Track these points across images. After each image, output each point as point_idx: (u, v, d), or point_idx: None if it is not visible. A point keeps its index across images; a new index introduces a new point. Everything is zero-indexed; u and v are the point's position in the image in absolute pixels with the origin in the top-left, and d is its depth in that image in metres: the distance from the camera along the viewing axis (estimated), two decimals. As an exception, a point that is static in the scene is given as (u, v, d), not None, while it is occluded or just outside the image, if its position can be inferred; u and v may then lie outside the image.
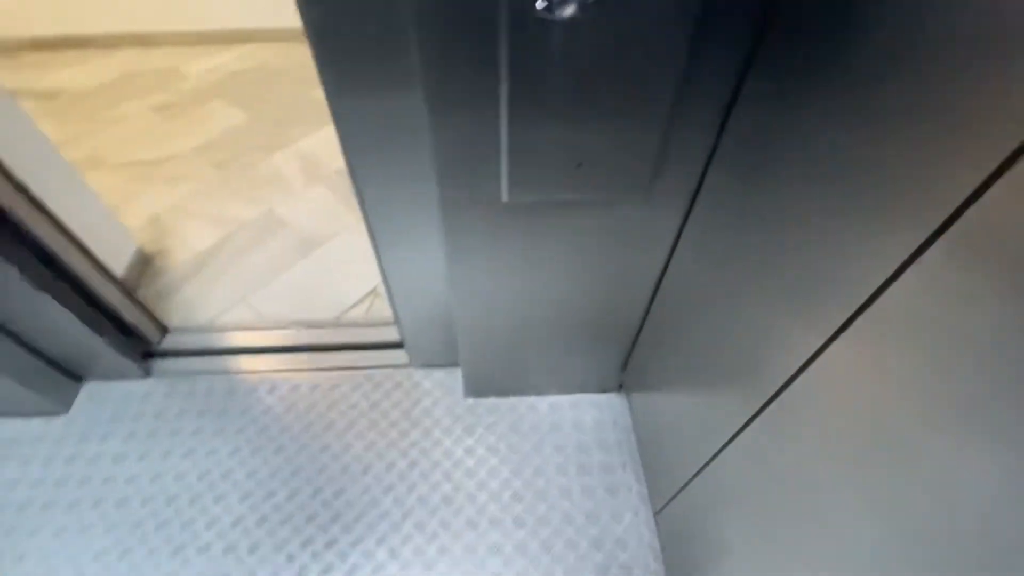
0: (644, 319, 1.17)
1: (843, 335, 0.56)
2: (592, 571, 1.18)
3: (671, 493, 1.09)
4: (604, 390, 1.47)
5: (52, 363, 1.42)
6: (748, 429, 0.83)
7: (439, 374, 1.53)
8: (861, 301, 0.52)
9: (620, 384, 1.43)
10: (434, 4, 0.59)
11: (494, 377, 1.40)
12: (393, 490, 1.31)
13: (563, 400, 1.47)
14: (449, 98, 0.69)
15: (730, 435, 0.89)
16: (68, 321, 1.28)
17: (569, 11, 0.55)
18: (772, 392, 0.74)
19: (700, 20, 0.60)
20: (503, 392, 1.47)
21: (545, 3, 0.55)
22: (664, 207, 0.89)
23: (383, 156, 0.91)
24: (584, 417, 1.43)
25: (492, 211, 0.86)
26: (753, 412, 0.80)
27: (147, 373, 1.51)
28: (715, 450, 0.94)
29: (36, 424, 1.43)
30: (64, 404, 1.45)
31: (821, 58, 0.55)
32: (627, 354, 1.31)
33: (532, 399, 1.47)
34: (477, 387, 1.44)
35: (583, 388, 1.47)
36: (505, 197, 0.80)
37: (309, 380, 1.51)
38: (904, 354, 0.48)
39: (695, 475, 1.01)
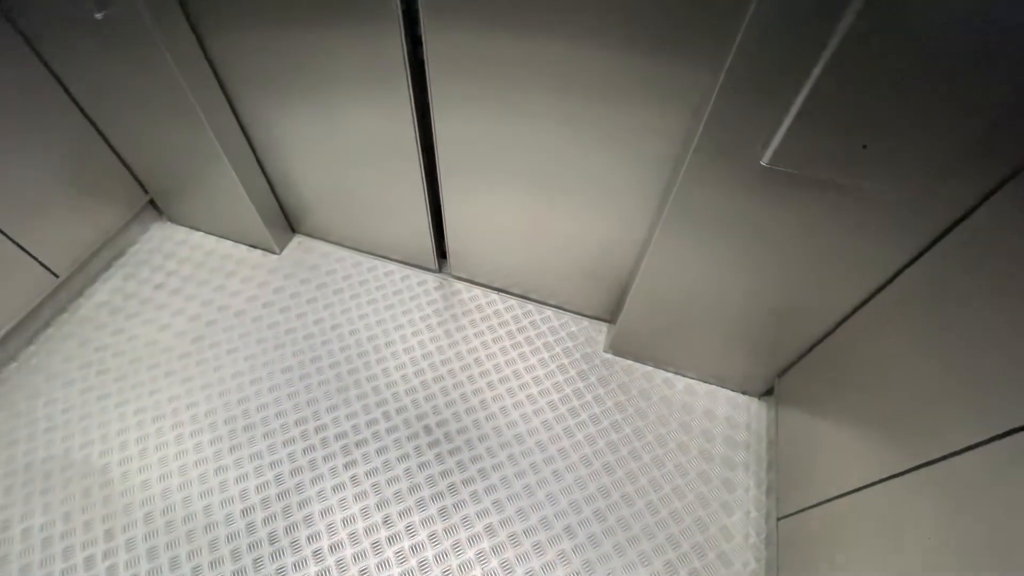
0: (830, 332, 1.13)
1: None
2: (691, 547, 1.20)
3: (803, 505, 1.07)
4: (744, 391, 1.45)
5: (284, 212, 1.71)
6: (912, 474, 0.81)
7: (585, 323, 1.60)
8: None
9: (769, 389, 1.40)
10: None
11: (641, 342, 1.44)
12: (521, 407, 1.42)
13: (699, 386, 1.47)
14: (760, 48, 0.71)
15: (890, 474, 0.86)
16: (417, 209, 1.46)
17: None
18: (948, 452, 0.73)
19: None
20: (641, 358, 1.51)
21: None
22: (921, 221, 0.84)
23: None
24: (717, 409, 1.43)
25: (739, 174, 0.88)
26: (923, 462, 0.78)
27: (439, 268, 1.69)
28: (869, 482, 0.92)
29: (257, 254, 1.74)
30: (280, 246, 1.75)
31: None
32: (792, 362, 1.27)
33: (669, 374, 1.50)
34: (620, 345, 1.49)
35: (723, 382, 1.46)
36: (766, 160, 0.81)
37: (477, 296, 1.66)
38: None
39: (837, 497, 0.99)
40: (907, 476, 0.83)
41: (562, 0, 0.84)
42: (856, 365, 1.04)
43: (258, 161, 1.53)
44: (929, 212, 0.83)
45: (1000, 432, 0.68)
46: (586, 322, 1.60)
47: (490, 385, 1.46)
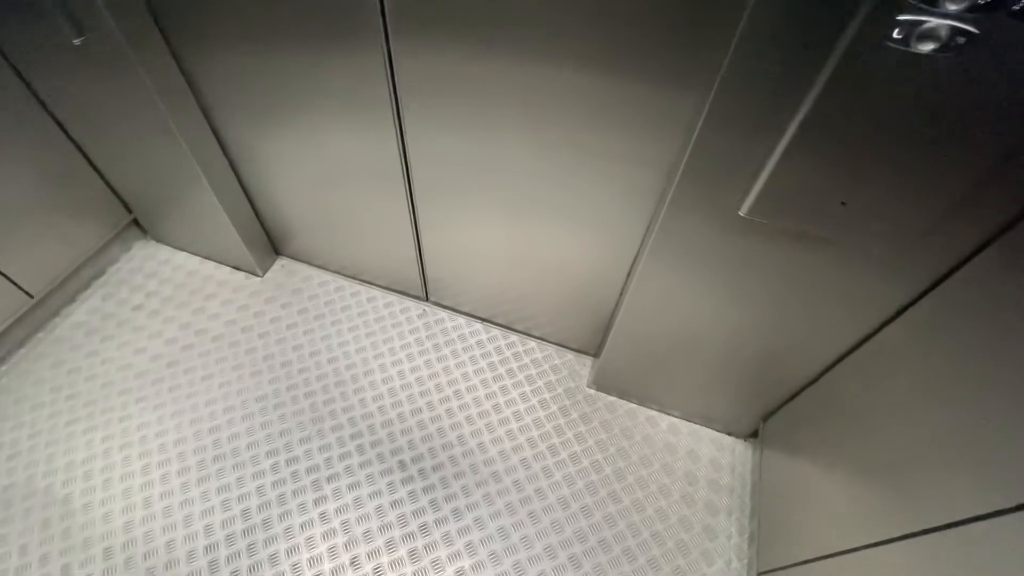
0: (819, 377, 1.09)
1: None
2: (669, 599, 1.16)
3: (788, 562, 1.03)
4: (729, 432, 1.41)
5: (268, 234, 1.69)
6: (911, 540, 0.77)
7: (569, 356, 1.57)
8: None
9: (754, 431, 1.36)
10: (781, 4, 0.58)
11: (625, 378, 1.40)
12: (500, 443, 1.38)
13: (683, 425, 1.44)
14: (738, 99, 0.69)
15: (877, 540, 0.82)
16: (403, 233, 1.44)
17: (929, 47, 0.52)
18: (945, 523, 0.68)
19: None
20: (626, 395, 1.47)
21: (902, 34, 0.53)
22: (908, 273, 0.82)
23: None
24: (701, 450, 1.39)
25: (718, 222, 0.86)
26: (914, 531, 0.74)
27: (426, 296, 1.65)
28: (854, 546, 0.87)
29: (239, 276, 1.72)
30: (262, 268, 1.72)
31: None
32: (778, 405, 1.23)
33: (653, 412, 1.46)
34: (604, 381, 1.45)
35: (708, 421, 1.42)
36: (743, 211, 0.78)
37: (460, 326, 1.63)
38: None
39: (819, 558, 0.95)
40: (896, 544, 0.78)
41: (539, 21, 0.81)
42: (844, 414, 1.00)
43: (240, 183, 1.51)
44: (918, 264, 0.80)
45: (1010, 506, 0.62)
46: (570, 355, 1.57)
47: (469, 420, 1.42)
